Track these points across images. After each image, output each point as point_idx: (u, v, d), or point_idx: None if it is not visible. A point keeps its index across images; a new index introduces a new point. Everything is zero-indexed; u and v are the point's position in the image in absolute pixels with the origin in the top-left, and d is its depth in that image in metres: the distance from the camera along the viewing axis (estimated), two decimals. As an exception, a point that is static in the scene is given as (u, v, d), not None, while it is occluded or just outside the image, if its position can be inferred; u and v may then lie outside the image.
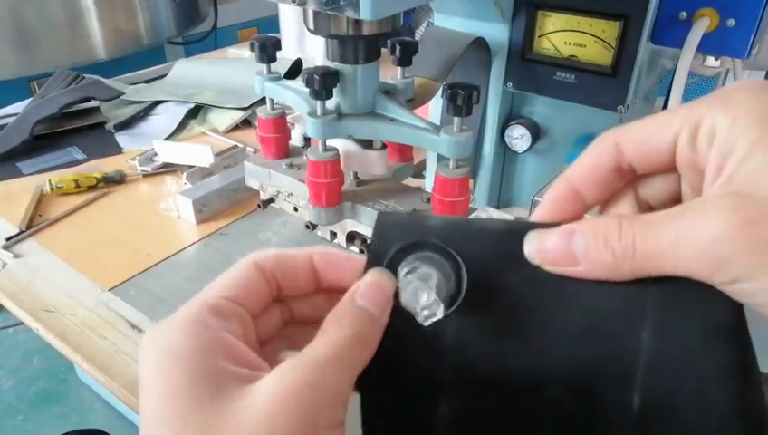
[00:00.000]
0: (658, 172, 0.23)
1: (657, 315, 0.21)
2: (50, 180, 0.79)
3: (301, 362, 0.20)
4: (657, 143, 0.21)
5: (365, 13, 0.41)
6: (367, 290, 0.23)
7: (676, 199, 0.23)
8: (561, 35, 0.56)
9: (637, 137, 0.22)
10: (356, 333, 0.22)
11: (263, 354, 0.23)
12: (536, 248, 0.22)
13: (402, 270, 0.23)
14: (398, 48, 0.56)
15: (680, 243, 0.19)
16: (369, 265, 0.24)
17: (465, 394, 0.24)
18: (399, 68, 0.57)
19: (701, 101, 0.21)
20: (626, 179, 0.23)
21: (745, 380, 0.20)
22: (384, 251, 0.24)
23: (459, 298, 0.23)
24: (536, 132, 0.64)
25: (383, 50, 0.53)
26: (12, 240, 0.70)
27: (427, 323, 0.22)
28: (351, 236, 0.62)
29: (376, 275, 0.23)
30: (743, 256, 0.18)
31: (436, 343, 0.24)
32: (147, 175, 0.85)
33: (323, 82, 0.49)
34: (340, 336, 0.22)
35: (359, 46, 0.50)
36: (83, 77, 1.07)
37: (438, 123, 0.52)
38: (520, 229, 0.23)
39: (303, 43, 1.18)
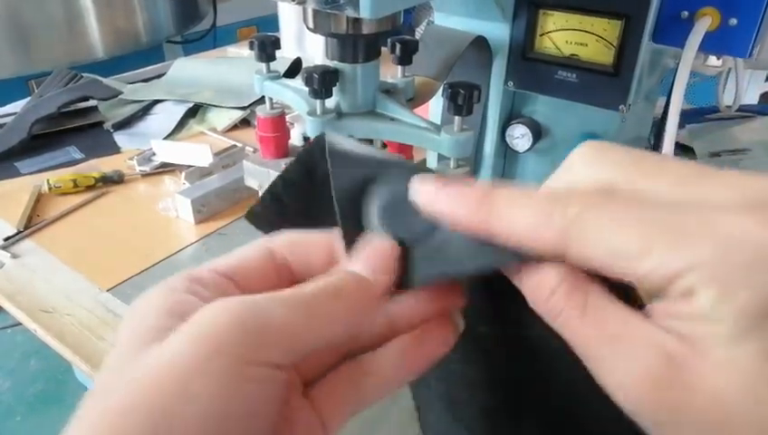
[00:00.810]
0: None
1: None
2: (48, 180, 0.79)
3: (238, 300, 0.18)
4: (625, 271, 0.17)
5: (365, 11, 0.41)
6: (362, 256, 0.21)
7: None
8: (563, 34, 0.56)
9: (591, 256, 0.17)
10: (331, 288, 0.20)
11: None
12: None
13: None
14: (398, 47, 0.56)
15: (601, 362, 0.17)
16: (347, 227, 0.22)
17: None
18: (399, 67, 0.57)
19: (691, 239, 0.16)
20: None
21: None
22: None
23: None
24: (537, 132, 0.63)
25: (383, 49, 0.53)
26: (10, 240, 0.70)
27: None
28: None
29: (382, 244, 0.22)
30: (644, 421, 0.17)
31: None
32: (145, 175, 0.85)
33: (323, 81, 0.49)
34: (308, 288, 0.20)
35: (358, 45, 0.50)
36: (81, 76, 1.07)
37: (439, 123, 0.52)
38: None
39: (303, 42, 1.18)
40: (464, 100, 0.47)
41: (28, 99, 1.03)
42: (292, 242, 0.23)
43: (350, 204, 0.22)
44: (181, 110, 1.01)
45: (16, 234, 0.71)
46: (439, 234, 0.21)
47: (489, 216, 0.19)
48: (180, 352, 0.17)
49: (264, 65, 0.59)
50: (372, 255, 0.21)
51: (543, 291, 0.18)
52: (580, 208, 0.17)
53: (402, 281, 0.22)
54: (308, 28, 0.49)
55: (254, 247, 0.23)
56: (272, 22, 1.31)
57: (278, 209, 0.25)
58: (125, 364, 0.18)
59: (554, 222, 0.17)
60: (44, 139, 0.94)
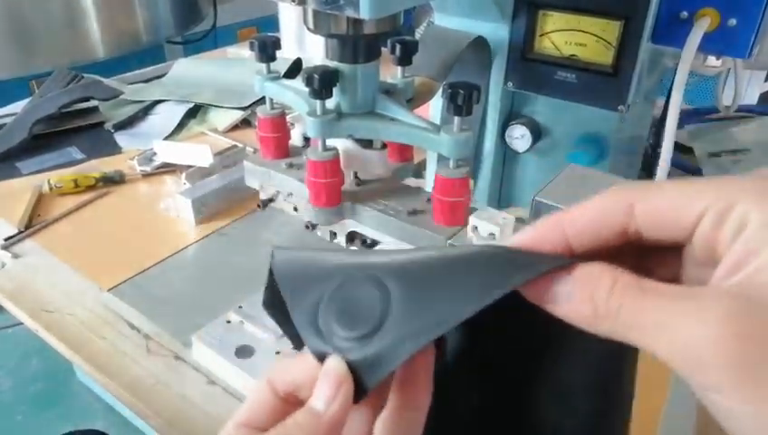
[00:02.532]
0: (666, 245, 0.20)
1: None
2: (49, 180, 0.79)
3: None
4: (677, 218, 0.19)
5: (365, 12, 0.41)
6: (317, 386, 0.23)
7: (672, 271, 0.22)
8: (562, 35, 0.56)
9: (656, 206, 0.20)
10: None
11: None
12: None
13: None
14: (398, 47, 0.56)
15: (664, 329, 0.17)
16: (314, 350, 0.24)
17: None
18: (399, 67, 0.57)
19: (735, 182, 0.19)
20: (624, 241, 0.21)
21: None
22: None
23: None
24: (537, 132, 0.63)
25: (383, 49, 0.53)
26: (11, 240, 0.70)
27: None
28: (351, 237, 0.62)
29: (329, 368, 0.23)
30: (721, 369, 0.16)
31: None
32: (146, 175, 0.85)
33: (323, 82, 0.49)
34: None
35: (358, 45, 0.50)
36: (82, 77, 1.07)
37: (438, 123, 0.52)
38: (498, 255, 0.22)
39: (303, 43, 1.18)
40: (463, 100, 0.47)
41: (29, 99, 1.03)
42: (288, 374, 0.25)
43: (309, 319, 0.24)
44: (182, 110, 1.01)
45: (17, 234, 0.71)
46: (413, 298, 0.22)
47: (565, 214, 0.22)
48: None
49: (264, 66, 0.59)
50: (322, 383, 0.22)
51: (603, 289, 0.19)
52: (640, 185, 0.21)
53: (365, 386, 0.22)
54: (308, 29, 0.50)
55: (262, 392, 0.25)
56: (272, 22, 1.31)
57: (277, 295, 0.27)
58: None
59: (626, 195, 0.20)
60: (45, 139, 0.94)
